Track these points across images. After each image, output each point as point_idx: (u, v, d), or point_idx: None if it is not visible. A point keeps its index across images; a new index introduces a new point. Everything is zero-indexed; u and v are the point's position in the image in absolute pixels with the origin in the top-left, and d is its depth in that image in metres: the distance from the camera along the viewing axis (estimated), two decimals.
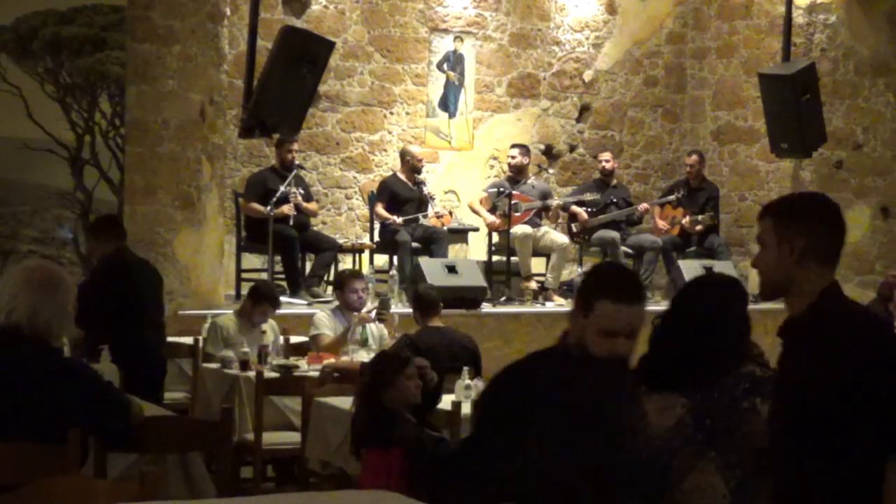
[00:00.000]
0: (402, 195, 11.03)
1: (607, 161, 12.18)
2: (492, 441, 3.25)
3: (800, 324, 3.08)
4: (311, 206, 10.71)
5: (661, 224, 12.16)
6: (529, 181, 11.65)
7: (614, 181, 12.27)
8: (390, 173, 11.64)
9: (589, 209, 11.72)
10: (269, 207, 10.04)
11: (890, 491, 2.94)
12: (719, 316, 3.37)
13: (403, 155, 11.35)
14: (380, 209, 10.98)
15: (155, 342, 7.08)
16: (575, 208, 11.79)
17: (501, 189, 11.33)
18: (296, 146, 10.77)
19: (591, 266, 3.46)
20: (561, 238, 11.45)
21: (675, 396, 3.24)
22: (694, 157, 12.27)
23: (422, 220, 10.98)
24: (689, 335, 3.33)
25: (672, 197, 12.17)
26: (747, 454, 3.20)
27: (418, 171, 11.24)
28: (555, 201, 11.62)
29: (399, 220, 10.79)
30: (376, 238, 11.11)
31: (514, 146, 11.85)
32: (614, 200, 11.94)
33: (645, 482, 3.20)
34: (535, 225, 11.45)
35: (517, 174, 11.60)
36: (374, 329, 7.59)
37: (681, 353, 3.30)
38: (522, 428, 3.17)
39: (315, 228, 11.10)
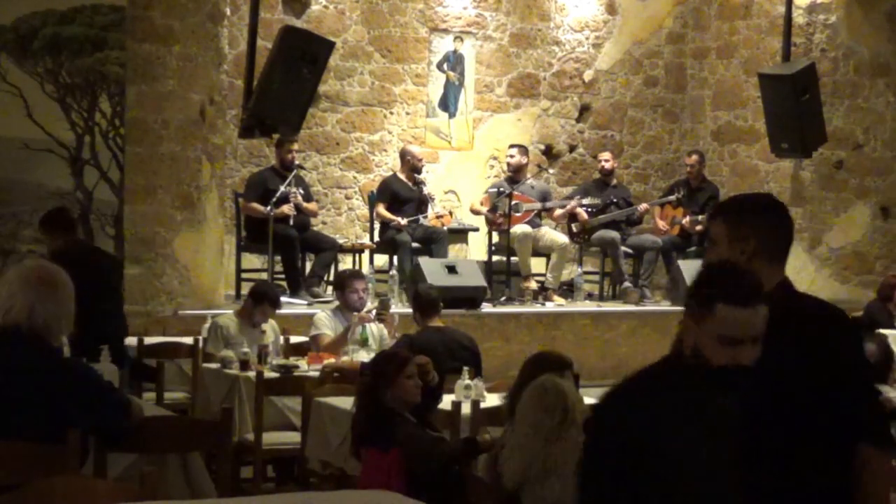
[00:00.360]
0: (402, 195, 11.03)
1: (607, 161, 12.18)
2: (616, 492, 2.84)
3: None
4: (311, 206, 10.71)
5: (662, 224, 12.15)
6: (529, 181, 11.65)
7: (614, 181, 12.27)
8: (390, 173, 11.65)
9: (589, 209, 11.72)
10: (269, 207, 10.04)
11: (863, 477, 2.96)
12: None
13: (403, 155, 11.34)
14: (382, 210, 10.98)
15: (120, 333, 6.95)
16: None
17: (501, 189, 11.34)
18: (296, 146, 10.77)
19: (700, 267, 3.07)
20: (561, 238, 11.45)
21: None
22: (694, 157, 12.26)
23: (422, 220, 10.98)
24: None
25: (672, 197, 12.16)
26: None
27: (418, 171, 11.24)
28: (555, 204, 11.63)
29: (403, 221, 10.79)
30: (376, 238, 11.12)
31: (512, 146, 11.86)
32: (614, 200, 11.94)
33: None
34: (535, 225, 11.45)
35: (516, 174, 11.60)
36: (374, 329, 7.58)
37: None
38: (649, 467, 2.80)
39: (315, 228, 11.10)
